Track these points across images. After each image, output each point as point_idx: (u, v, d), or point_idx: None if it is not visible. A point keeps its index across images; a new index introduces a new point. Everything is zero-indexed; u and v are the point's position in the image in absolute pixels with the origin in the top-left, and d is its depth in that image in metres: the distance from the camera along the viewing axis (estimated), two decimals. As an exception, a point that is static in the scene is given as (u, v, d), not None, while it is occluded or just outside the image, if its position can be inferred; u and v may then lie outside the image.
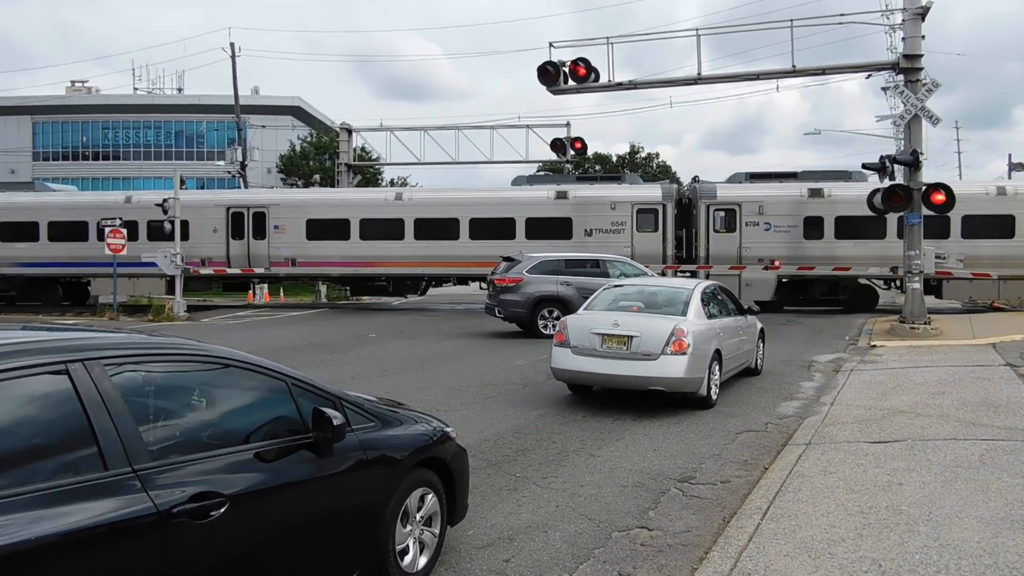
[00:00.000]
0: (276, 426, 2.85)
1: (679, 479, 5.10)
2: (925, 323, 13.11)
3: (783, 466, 5.18)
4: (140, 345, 2.65)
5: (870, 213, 18.02)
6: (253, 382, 2.88)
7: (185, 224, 19.15)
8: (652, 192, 19.69)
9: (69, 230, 20.87)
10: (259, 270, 20.46)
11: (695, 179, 21.12)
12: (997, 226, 17.56)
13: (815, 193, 18.50)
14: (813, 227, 18.39)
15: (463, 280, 22.38)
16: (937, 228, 16.54)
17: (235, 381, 2.87)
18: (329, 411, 2.84)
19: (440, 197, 20.72)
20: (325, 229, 20.08)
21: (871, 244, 17.85)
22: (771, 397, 8.08)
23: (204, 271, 20.26)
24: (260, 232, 20.29)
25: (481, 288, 21.21)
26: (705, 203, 18.88)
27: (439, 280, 22.22)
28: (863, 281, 18.93)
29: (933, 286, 18.49)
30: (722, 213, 18.79)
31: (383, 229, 19.85)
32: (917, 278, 13.46)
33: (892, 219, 17.36)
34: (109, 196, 22.44)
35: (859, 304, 18.72)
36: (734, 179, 20.24)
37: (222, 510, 2.40)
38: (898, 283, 19.08)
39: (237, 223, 20.29)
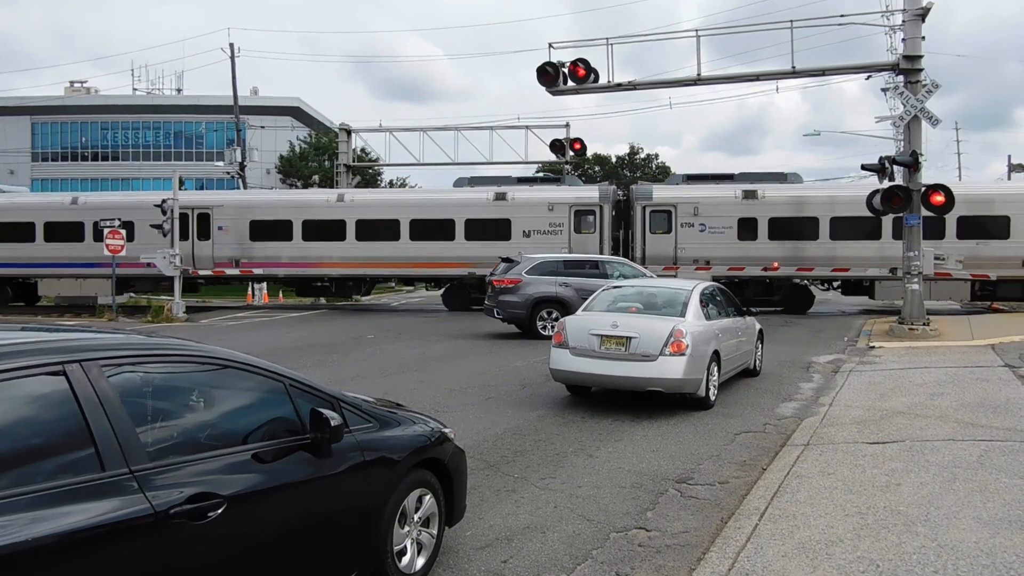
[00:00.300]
0: (274, 427, 2.85)
1: (677, 480, 5.10)
2: (924, 324, 13.13)
3: (781, 467, 5.18)
4: (138, 346, 2.65)
5: (804, 215, 18.25)
6: (251, 383, 2.88)
7: (130, 225, 19.27)
8: (590, 193, 19.90)
9: (16, 231, 21.04)
10: (204, 271, 20.56)
11: (633, 181, 21.52)
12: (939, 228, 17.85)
13: (749, 195, 18.76)
14: (747, 228, 18.66)
15: (408, 281, 22.62)
16: (873, 230, 17.49)
17: (233, 382, 2.87)
18: (327, 412, 2.85)
19: (381, 198, 21.18)
20: (268, 230, 20.27)
21: (806, 245, 18.21)
22: (770, 398, 8.08)
23: (150, 272, 19.98)
24: (204, 233, 20.42)
25: (427, 290, 21.06)
26: (641, 204, 19.19)
27: (382, 281, 22.55)
28: (797, 282, 19.23)
29: (866, 287, 19.08)
30: (658, 214, 19.07)
31: (326, 230, 20.05)
32: (916, 279, 13.47)
33: (825, 221, 18.10)
34: (54, 197, 22.85)
35: (794, 305, 19.03)
36: (671, 181, 20.61)
37: (220, 511, 2.40)
38: (835, 284, 19.62)
39: (182, 224, 20.11)
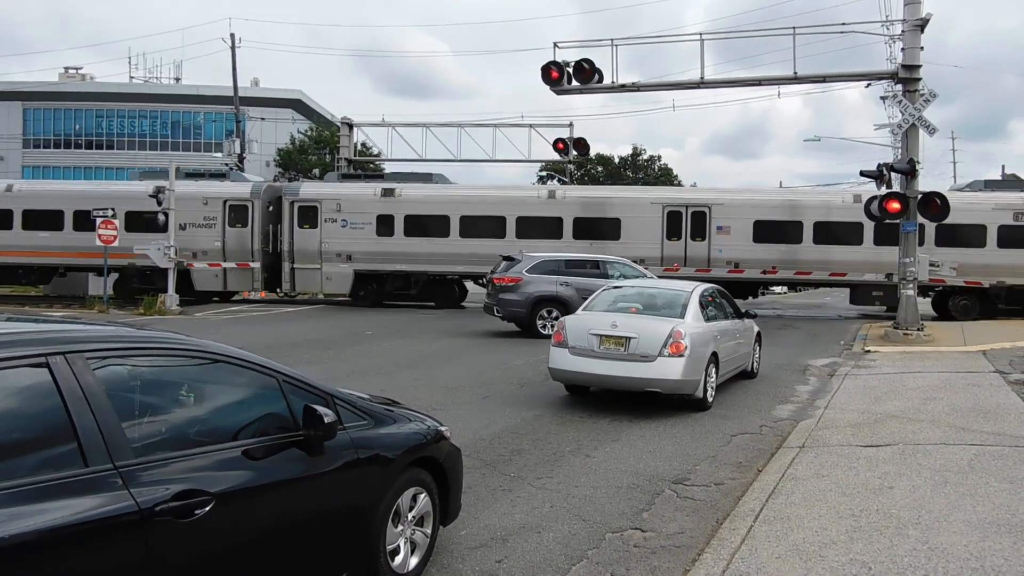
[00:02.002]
0: (266, 423, 2.80)
1: (673, 481, 5.12)
2: (918, 330, 13.22)
3: (776, 469, 5.21)
4: (125, 339, 2.59)
5: (437, 213, 19.59)
6: (243, 378, 2.82)
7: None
8: (242, 189, 20.57)
9: None
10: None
11: (289, 178, 22.15)
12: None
13: (387, 193, 19.86)
14: (385, 225, 19.69)
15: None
16: (498, 230, 18.99)
17: (224, 377, 2.81)
18: (320, 409, 2.80)
19: (61, 191, 21.84)
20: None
21: (436, 241, 19.42)
22: (766, 400, 8.11)
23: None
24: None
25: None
26: (289, 200, 20.10)
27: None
28: (438, 277, 20.09)
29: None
30: (305, 210, 19.93)
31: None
32: (911, 285, 13.56)
33: (455, 219, 19.28)
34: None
35: (441, 300, 20.05)
36: (329, 179, 21.61)
37: (207, 508, 2.35)
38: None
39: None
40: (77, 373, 2.22)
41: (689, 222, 18.77)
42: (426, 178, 21.02)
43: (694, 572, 3.53)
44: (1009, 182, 18.82)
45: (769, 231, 18.43)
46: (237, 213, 19.86)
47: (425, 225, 19.58)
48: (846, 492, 4.58)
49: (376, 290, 20.02)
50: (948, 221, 16.69)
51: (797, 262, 18.33)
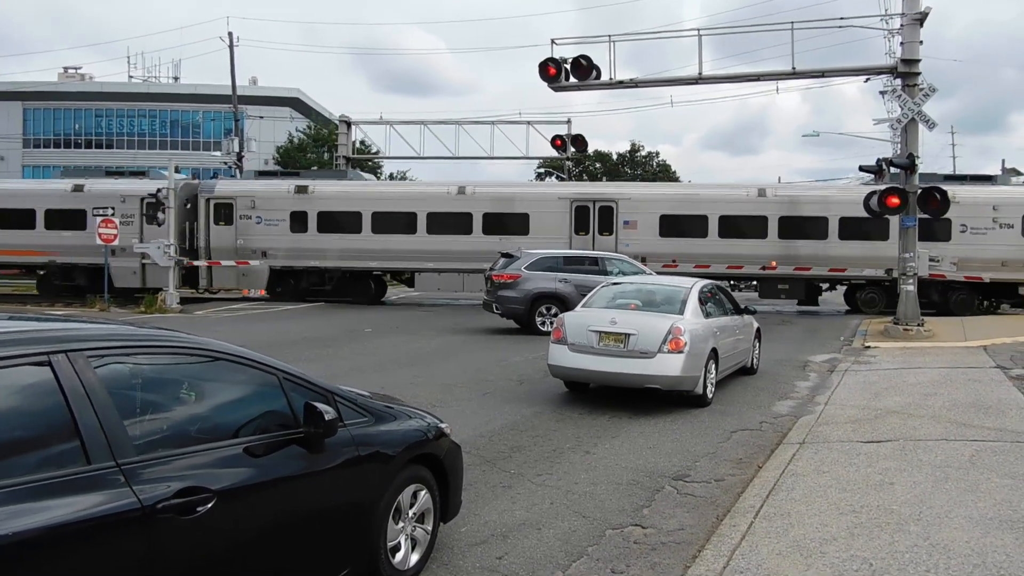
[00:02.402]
0: (266, 421, 2.81)
1: (673, 477, 5.12)
2: (919, 325, 13.21)
3: (777, 465, 5.21)
4: (126, 337, 2.60)
5: (349, 209, 19.81)
6: (243, 376, 2.83)
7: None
8: (159, 186, 20.90)
9: None
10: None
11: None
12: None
13: (300, 189, 19.95)
14: (298, 221, 19.78)
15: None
16: (409, 226, 19.28)
17: (225, 375, 2.82)
18: (321, 406, 2.80)
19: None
20: None
21: (349, 237, 19.54)
22: (766, 396, 8.11)
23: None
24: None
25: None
26: (205, 197, 20.16)
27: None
28: (352, 272, 20.19)
29: (405, 278, 20.86)
30: (221, 207, 20.11)
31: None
32: (911, 280, 13.54)
33: (367, 215, 19.38)
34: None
35: (357, 295, 20.17)
36: (246, 176, 21.93)
37: (209, 506, 2.36)
38: (404, 276, 20.83)
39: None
40: (79, 371, 2.23)
41: (597, 217, 19.00)
42: (341, 174, 21.34)
43: (694, 568, 3.52)
44: (926, 177, 19.16)
45: (675, 226, 18.71)
46: (153, 210, 20.03)
47: (338, 221, 19.71)
48: (846, 488, 4.57)
49: (293, 286, 20.30)
50: (852, 215, 17.45)
51: (702, 256, 18.70)
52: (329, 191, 19.97)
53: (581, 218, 18.98)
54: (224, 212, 20.05)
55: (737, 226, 18.44)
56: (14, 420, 2.16)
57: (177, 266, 18.80)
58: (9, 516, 1.92)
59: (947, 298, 17.89)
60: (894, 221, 17.47)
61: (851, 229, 17.84)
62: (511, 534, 4.05)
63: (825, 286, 19.53)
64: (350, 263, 19.71)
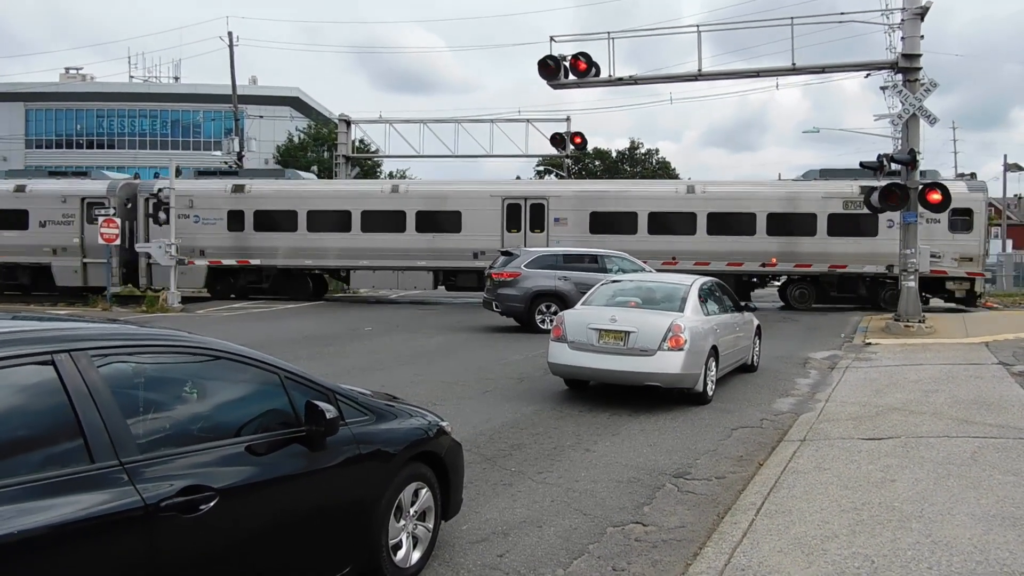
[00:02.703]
0: (268, 419, 2.82)
1: (674, 475, 5.11)
2: (920, 321, 13.18)
3: (778, 462, 5.21)
4: (129, 336, 2.62)
5: (285, 208, 20.15)
6: (245, 375, 2.85)
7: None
8: (98, 187, 20.94)
9: None
10: None
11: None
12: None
13: (237, 189, 20.27)
14: (236, 220, 20.10)
15: None
16: (343, 224, 19.56)
17: (227, 374, 2.84)
18: (322, 404, 2.82)
19: None
20: None
21: (284, 235, 19.86)
22: (766, 393, 8.10)
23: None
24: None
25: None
26: (143, 196, 20.38)
27: None
28: (288, 270, 20.48)
29: (343, 276, 21.10)
30: (160, 207, 20.31)
31: None
32: (912, 276, 13.51)
33: (303, 213, 19.73)
34: None
35: (293, 292, 20.49)
36: (185, 175, 22.07)
37: (211, 504, 2.38)
38: (342, 274, 20.98)
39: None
40: (82, 370, 2.24)
41: (528, 214, 19.19)
42: (278, 173, 21.73)
43: (696, 566, 3.51)
44: (845, 171, 19.40)
45: (605, 222, 18.86)
46: (95, 210, 20.22)
47: (274, 220, 20.00)
48: (848, 485, 4.57)
49: (232, 284, 20.58)
50: (779, 211, 18.04)
51: (632, 253, 18.97)
52: (266, 190, 20.26)
53: (513, 215, 19.25)
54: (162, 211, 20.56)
55: (666, 223, 18.77)
56: (18, 419, 2.17)
57: (177, 265, 18.83)
58: (14, 515, 1.93)
59: (877, 294, 18.19)
60: (823, 217, 18.31)
61: (778, 225, 18.16)
62: (512, 532, 4.06)
63: (756, 282, 19.89)
64: (286, 261, 20.01)
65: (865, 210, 15.28)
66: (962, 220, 17.48)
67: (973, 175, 20.76)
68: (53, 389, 2.17)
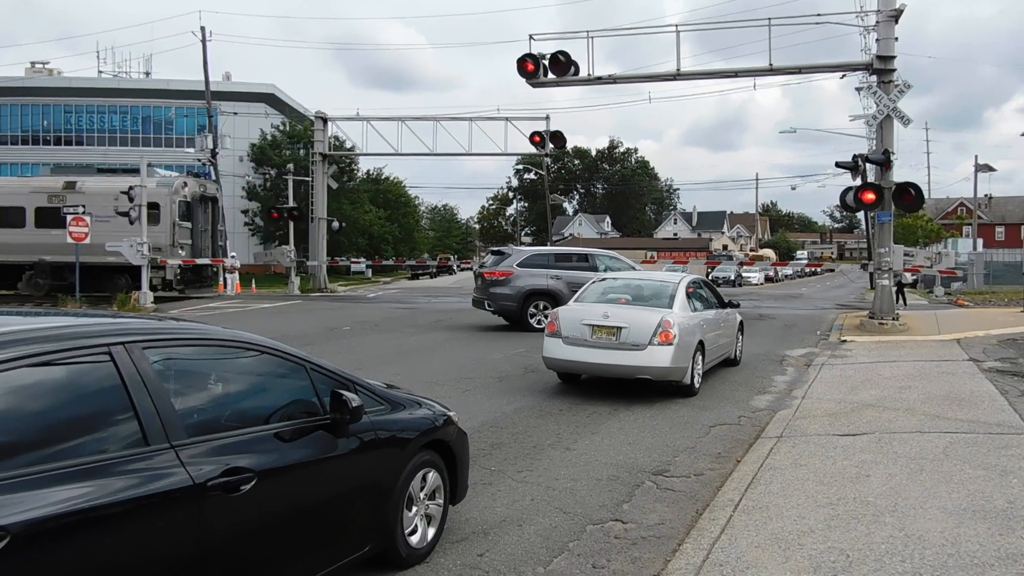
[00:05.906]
0: (296, 408, 3.00)
1: (653, 472, 5.11)
2: (893, 319, 13.44)
3: (755, 459, 5.23)
4: (172, 330, 2.79)
5: None
6: (275, 366, 3.03)
7: None
8: None
9: None
10: None
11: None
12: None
13: None
14: None
15: None
16: None
17: (259, 365, 3.02)
18: (347, 394, 2.99)
19: None
20: None
21: None
22: (744, 391, 8.18)
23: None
24: None
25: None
26: None
27: None
28: None
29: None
30: None
31: None
32: (886, 275, 13.77)
33: None
34: None
35: None
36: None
37: (251, 484, 2.55)
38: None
39: None
40: (136, 361, 2.41)
41: None
42: None
43: (675, 562, 3.51)
44: (124, 169, 21.27)
45: None
46: None
47: None
48: (823, 481, 4.60)
49: None
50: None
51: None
52: None
53: None
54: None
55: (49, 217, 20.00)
56: (83, 405, 2.34)
57: (150, 264, 18.40)
58: (89, 490, 2.10)
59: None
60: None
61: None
62: (492, 531, 4.02)
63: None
64: None
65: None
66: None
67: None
68: (111, 378, 2.34)
